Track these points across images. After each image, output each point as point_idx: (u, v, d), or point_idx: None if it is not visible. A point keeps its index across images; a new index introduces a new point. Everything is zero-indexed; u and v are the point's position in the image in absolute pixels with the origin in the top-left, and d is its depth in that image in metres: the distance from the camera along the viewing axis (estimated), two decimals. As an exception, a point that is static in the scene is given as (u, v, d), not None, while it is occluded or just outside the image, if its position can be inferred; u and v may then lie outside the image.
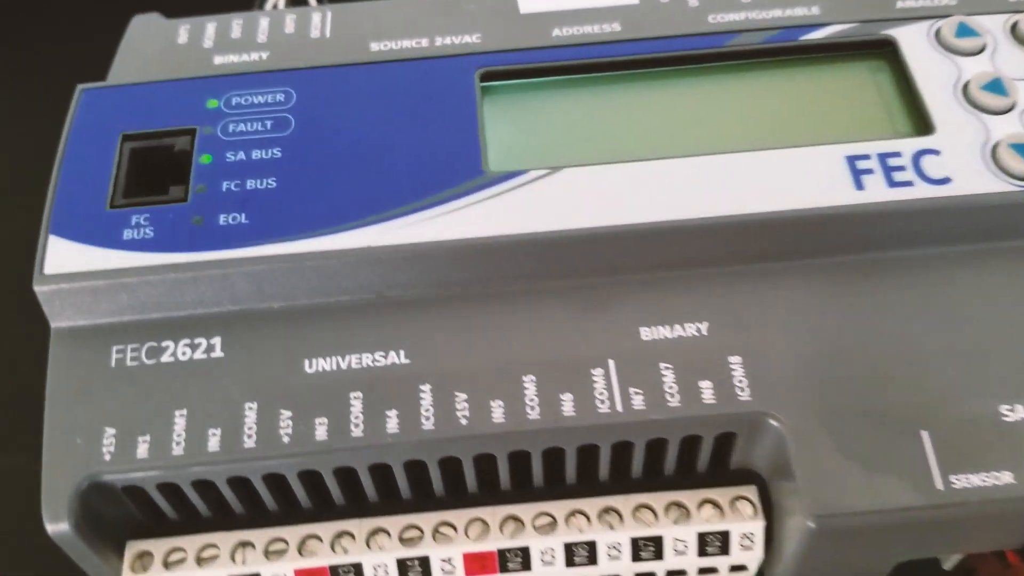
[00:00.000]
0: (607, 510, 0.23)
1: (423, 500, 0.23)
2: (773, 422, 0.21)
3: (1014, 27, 0.26)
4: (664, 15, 0.26)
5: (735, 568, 0.23)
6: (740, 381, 0.21)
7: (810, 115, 0.24)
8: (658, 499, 0.23)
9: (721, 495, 0.23)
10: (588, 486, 0.23)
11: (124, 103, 0.25)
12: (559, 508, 0.23)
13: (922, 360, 0.22)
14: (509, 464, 0.22)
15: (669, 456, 0.22)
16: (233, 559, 0.22)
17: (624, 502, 0.23)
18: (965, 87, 0.24)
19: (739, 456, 0.23)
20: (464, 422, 0.21)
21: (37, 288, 0.22)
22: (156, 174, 0.24)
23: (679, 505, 0.23)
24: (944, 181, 0.23)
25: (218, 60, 0.27)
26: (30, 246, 0.29)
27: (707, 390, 0.21)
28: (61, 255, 0.23)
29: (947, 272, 0.23)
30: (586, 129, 0.24)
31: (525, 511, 0.23)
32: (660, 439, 0.22)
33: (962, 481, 0.20)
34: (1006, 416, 0.21)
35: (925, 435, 0.21)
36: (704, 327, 0.22)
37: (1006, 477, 0.20)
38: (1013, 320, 0.22)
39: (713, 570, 0.23)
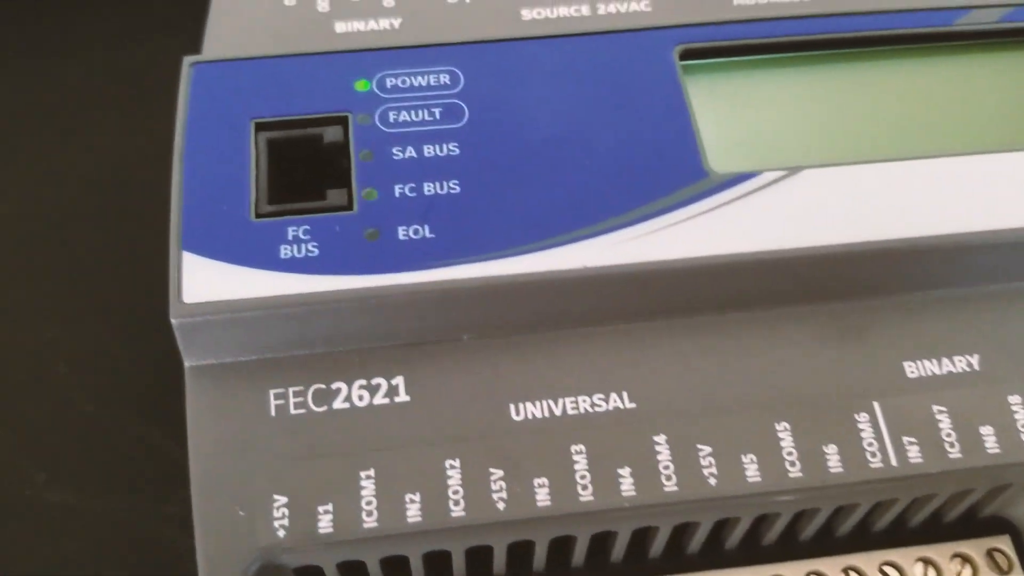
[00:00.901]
0: (848, 570, 0.20)
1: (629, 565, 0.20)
2: (1065, 474, 0.18)
3: None
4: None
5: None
6: (1025, 426, 0.18)
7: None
8: (905, 555, 0.20)
9: (973, 548, 0.20)
10: (823, 544, 0.20)
11: (246, 82, 0.21)
12: (793, 569, 0.20)
13: None
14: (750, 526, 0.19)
15: (925, 510, 0.19)
16: (419, 639, 0.19)
17: (867, 560, 0.20)
18: None
19: (997, 506, 0.20)
20: (713, 482, 0.18)
21: (176, 320, 0.18)
22: (301, 173, 0.20)
23: (927, 561, 0.20)
24: None
25: (340, 28, 0.22)
26: (128, 263, 0.24)
27: (989, 437, 0.18)
28: (201, 278, 0.18)
29: None
30: (823, 120, 0.21)
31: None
32: (928, 495, 0.19)
33: None
34: None
35: None
36: (975, 360, 0.19)
37: None
38: None
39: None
